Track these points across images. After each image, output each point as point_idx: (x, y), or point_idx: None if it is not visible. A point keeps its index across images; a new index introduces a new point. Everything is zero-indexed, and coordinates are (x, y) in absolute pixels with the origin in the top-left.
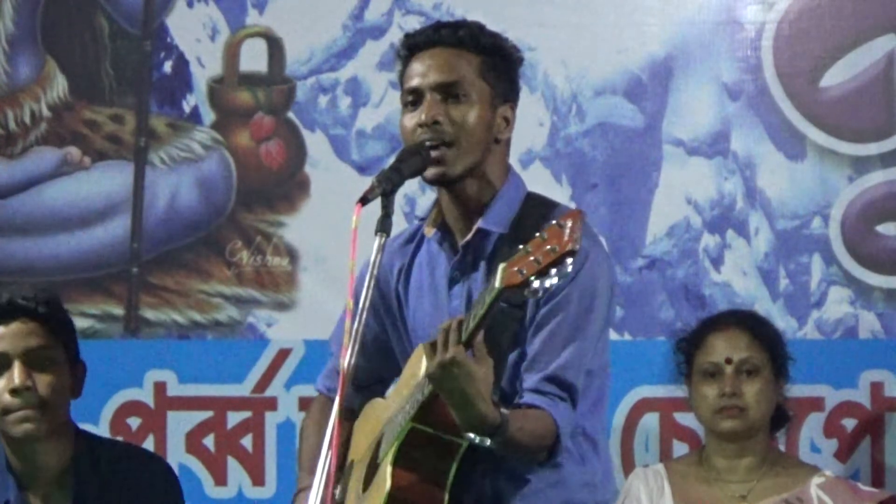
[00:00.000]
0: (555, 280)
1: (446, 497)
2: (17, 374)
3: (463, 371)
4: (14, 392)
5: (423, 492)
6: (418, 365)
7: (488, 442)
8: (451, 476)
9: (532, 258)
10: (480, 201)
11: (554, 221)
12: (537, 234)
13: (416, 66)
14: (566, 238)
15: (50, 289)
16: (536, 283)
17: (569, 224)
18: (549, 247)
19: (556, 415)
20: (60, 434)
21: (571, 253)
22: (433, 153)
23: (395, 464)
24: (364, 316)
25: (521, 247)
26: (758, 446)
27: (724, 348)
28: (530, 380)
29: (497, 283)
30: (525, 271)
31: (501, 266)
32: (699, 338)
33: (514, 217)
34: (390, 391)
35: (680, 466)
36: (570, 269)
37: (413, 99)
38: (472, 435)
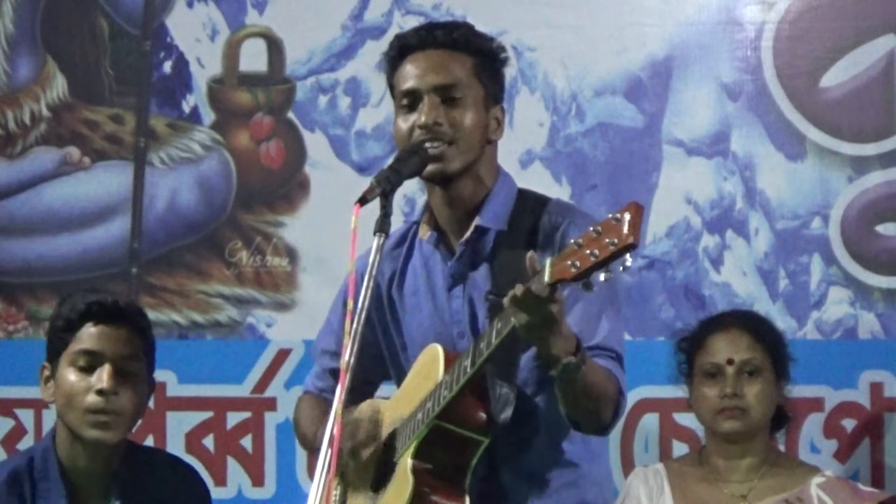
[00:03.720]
0: (611, 274)
1: (467, 498)
2: (107, 376)
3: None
4: (101, 392)
5: (445, 489)
6: (433, 366)
7: (574, 360)
8: (469, 473)
9: (588, 252)
10: (474, 201)
11: (609, 215)
12: (591, 229)
13: (411, 68)
14: (626, 231)
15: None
16: (592, 277)
17: (627, 217)
18: (607, 240)
19: (613, 369)
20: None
21: (632, 247)
22: (432, 151)
23: (416, 462)
24: (363, 316)
25: (571, 241)
26: (758, 446)
27: (726, 349)
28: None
29: (546, 279)
30: (579, 264)
31: (549, 261)
32: (700, 338)
33: (509, 214)
34: (396, 392)
35: (680, 466)
36: (629, 262)
37: (409, 101)
38: (563, 358)
